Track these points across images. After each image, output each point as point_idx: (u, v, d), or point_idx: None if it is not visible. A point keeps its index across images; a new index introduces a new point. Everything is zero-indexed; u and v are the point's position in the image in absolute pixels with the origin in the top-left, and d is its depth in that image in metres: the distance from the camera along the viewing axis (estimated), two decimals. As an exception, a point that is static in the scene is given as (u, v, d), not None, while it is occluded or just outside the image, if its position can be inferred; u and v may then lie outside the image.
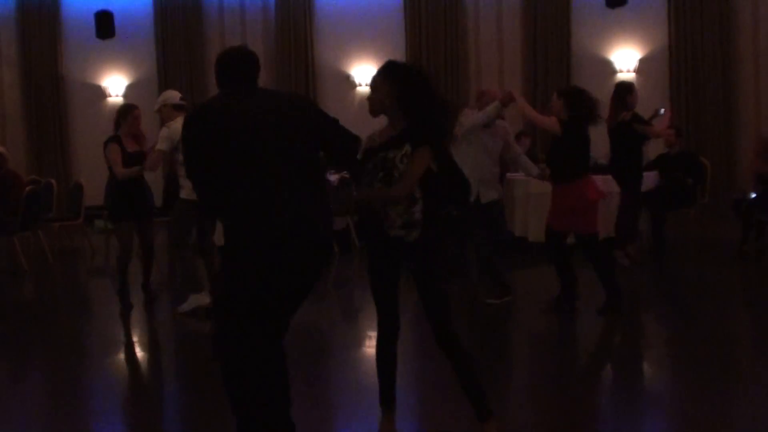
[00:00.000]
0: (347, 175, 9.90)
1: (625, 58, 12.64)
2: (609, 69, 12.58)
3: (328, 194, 3.43)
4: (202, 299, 6.53)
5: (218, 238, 6.86)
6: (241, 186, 3.18)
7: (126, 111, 6.93)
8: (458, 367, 3.65)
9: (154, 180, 9.36)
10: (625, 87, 8.02)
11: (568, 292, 6.27)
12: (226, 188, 3.20)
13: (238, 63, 3.40)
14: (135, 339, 6.35)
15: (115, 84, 14.19)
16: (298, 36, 13.58)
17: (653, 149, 9.35)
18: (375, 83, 3.63)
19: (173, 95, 6.75)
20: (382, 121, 3.68)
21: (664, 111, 8.22)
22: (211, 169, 3.22)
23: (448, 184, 3.61)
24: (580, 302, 6.34)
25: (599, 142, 8.25)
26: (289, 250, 3.20)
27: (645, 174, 9.26)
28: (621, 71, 12.58)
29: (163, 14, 13.99)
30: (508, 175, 8.89)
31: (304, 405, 3.51)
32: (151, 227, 7.03)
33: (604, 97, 8.27)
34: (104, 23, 12.99)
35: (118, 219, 6.90)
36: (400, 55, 13.34)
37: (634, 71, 12.63)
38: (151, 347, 6.15)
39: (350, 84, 13.52)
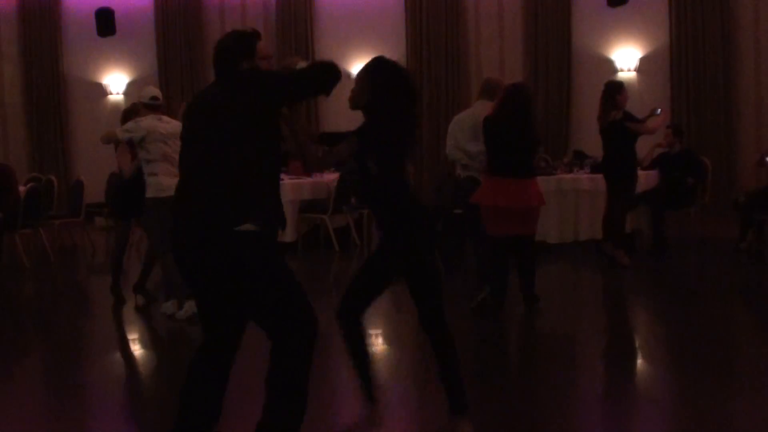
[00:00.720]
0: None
1: (626, 56, 12.63)
2: (610, 68, 12.57)
3: (259, 190, 3.13)
4: None
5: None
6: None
7: (132, 111, 6.95)
8: (437, 352, 3.63)
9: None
10: (614, 86, 8.01)
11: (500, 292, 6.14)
12: None
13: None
14: (135, 337, 6.36)
15: (115, 81, 14.19)
16: (298, 33, 13.58)
17: (645, 148, 9.34)
18: (358, 76, 3.69)
19: (145, 93, 6.67)
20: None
21: (660, 111, 8.20)
22: None
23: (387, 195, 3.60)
24: (579, 300, 6.35)
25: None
26: (178, 241, 3.19)
27: (645, 173, 9.27)
28: (622, 70, 12.58)
29: (163, 12, 13.98)
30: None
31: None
32: None
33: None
34: (105, 21, 12.97)
35: (122, 217, 6.90)
36: (400, 53, 13.34)
37: (635, 70, 12.62)
38: (151, 346, 6.16)
39: (351, 82, 13.50)
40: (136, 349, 6.03)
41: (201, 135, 3.17)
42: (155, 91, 6.64)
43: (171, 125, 6.33)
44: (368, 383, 3.83)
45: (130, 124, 6.45)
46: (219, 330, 3.25)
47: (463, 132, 6.50)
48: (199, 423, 3.23)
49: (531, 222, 6.11)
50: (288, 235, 9.10)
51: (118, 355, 5.83)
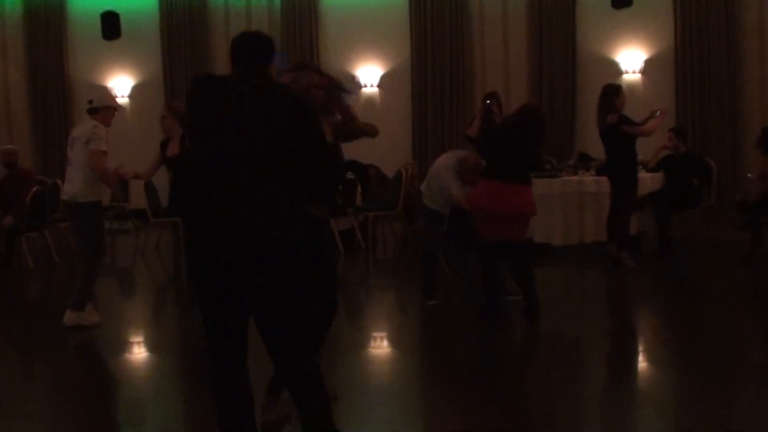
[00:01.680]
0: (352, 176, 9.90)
1: (631, 58, 12.61)
2: (614, 70, 12.55)
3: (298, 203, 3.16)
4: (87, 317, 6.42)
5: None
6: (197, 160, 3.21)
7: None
8: None
9: (160, 181, 9.40)
10: (611, 89, 8.01)
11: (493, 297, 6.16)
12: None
13: (238, 47, 3.36)
14: (139, 340, 6.37)
15: (120, 85, 14.21)
16: (303, 37, 13.59)
17: (648, 149, 9.33)
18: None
19: None
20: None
21: (660, 113, 8.20)
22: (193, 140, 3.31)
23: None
24: (583, 302, 6.33)
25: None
26: (205, 240, 3.10)
27: (651, 175, 9.25)
28: (626, 72, 12.56)
29: (168, 15, 14.00)
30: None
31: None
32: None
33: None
34: (110, 24, 13.01)
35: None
36: (405, 56, 13.35)
37: (640, 72, 12.60)
38: (156, 347, 6.16)
39: (355, 84, 13.51)
40: (141, 352, 6.03)
41: (239, 134, 3.12)
42: (93, 94, 6.94)
43: (78, 130, 6.57)
44: None
45: None
46: (226, 342, 3.25)
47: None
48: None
49: (518, 227, 5.98)
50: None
51: (123, 356, 5.83)
